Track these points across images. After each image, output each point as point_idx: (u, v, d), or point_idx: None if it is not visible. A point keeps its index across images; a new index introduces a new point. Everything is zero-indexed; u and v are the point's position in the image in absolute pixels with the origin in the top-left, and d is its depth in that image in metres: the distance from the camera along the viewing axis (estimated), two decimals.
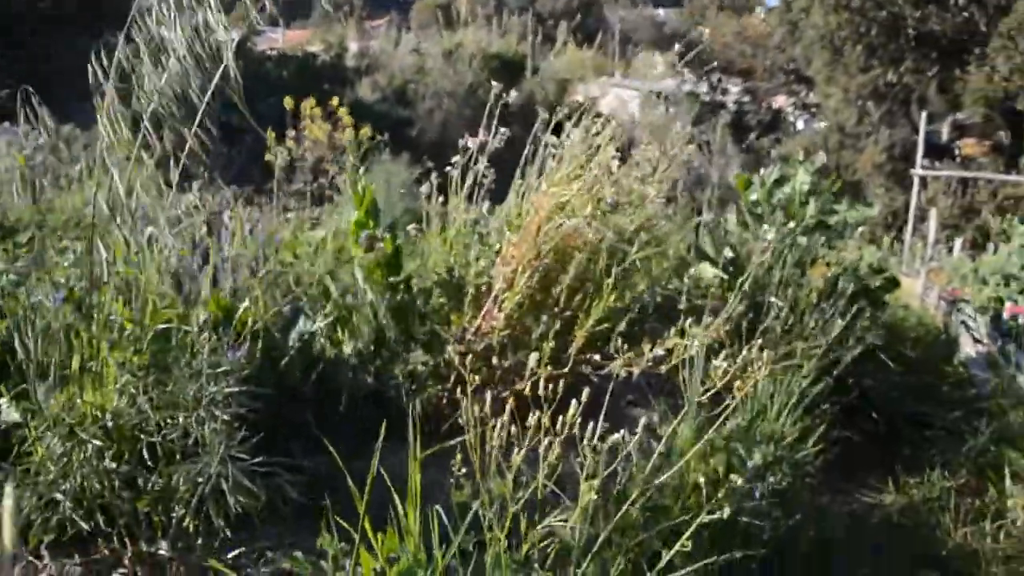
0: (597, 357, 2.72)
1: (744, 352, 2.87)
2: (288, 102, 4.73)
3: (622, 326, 2.75)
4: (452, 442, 2.08)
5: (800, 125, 25.18)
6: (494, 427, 1.90)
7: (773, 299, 2.97)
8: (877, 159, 17.45)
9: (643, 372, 2.76)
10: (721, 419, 2.20)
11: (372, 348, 2.86)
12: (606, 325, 2.78)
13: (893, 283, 3.50)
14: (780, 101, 22.70)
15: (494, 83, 3.46)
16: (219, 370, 1.82)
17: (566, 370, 2.70)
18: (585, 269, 2.79)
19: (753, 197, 3.78)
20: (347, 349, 2.62)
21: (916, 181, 11.19)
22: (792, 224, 3.51)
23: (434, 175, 3.08)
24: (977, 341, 4.45)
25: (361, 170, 3.02)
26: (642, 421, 1.79)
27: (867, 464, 2.99)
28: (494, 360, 2.68)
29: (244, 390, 1.89)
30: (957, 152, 19.26)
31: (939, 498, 2.64)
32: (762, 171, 3.94)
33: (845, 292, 3.10)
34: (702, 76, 22.45)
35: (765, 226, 3.35)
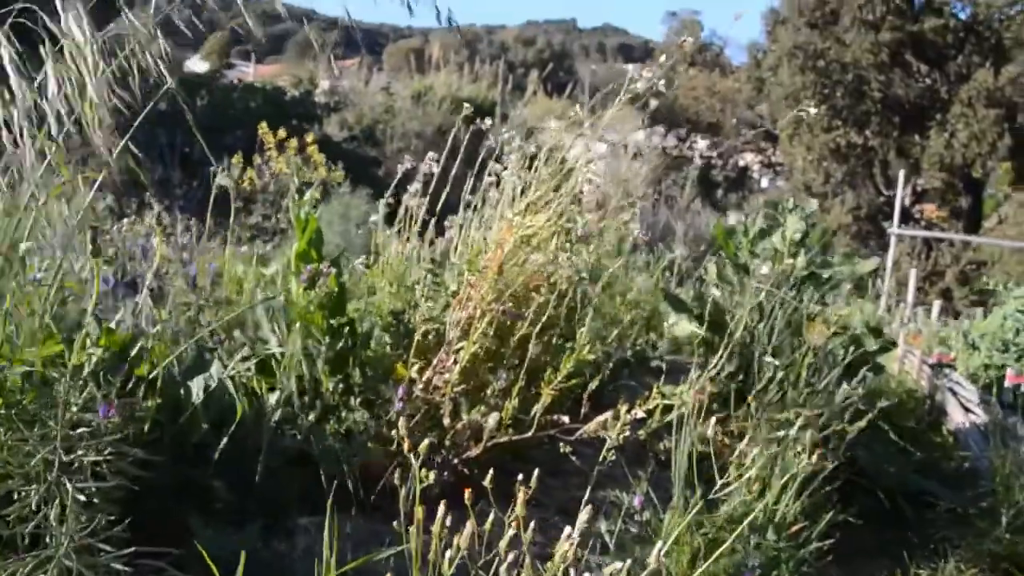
0: (566, 419, 2.34)
1: (735, 418, 2.52)
2: (263, 128, 4.34)
3: (594, 384, 2.38)
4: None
5: (764, 183, 25.40)
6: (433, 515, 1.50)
7: (768, 358, 2.63)
8: (843, 219, 17.52)
9: (619, 438, 2.39)
10: (719, 503, 1.83)
11: (304, 402, 2.45)
12: (575, 381, 2.41)
13: (891, 346, 3.20)
14: (747, 159, 22.88)
15: (466, 108, 3.12)
16: (79, 430, 1.40)
17: (529, 434, 2.32)
18: (549, 315, 2.43)
19: (737, 245, 3.47)
20: (271, 401, 2.21)
21: (893, 240, 11.11)
22: (781, 276, 3.19)
23: (383, 203, 2.72)
24: (967, 410, 4.16)
25: (308, 197, 2.64)
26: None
27: (870, 551, 2.63)
28: (446, 420, 2.29)
29: (116, 454, 1.47)
30: (919, 216, 19.46)
31: None
32: (744, 218, 3.64)
33: (843, 355, 2.77)
34: (669, 131, 22.57)
35: (760, 269, 3.01)
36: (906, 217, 18.14)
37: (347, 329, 2.53)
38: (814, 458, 2.53)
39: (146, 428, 1.82)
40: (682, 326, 3.59)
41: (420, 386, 2.28)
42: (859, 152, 18.18)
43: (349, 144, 23.47)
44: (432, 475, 2.31)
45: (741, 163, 22.85)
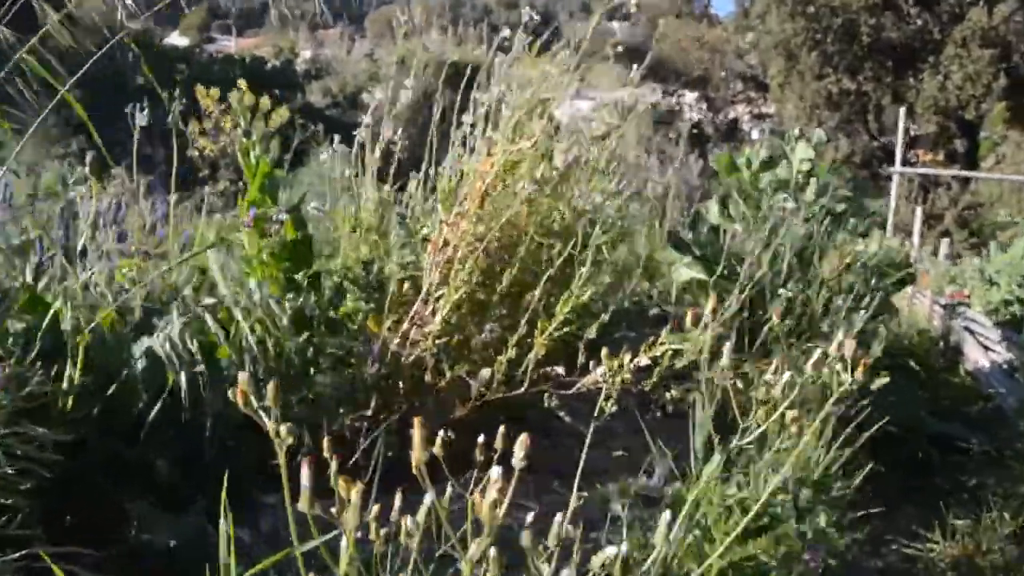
0: (561, 370, 2.08)
1: (749, 360, 2.27)
2: (200, 89, 4.04)
3: (592, 332, 2.12)
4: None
5: (755, 135, 25.00)
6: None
7: (782, 290, 2.37)
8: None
9: (622, 389, 2.14)
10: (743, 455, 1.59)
11: (268, 365, 2.19)
12: (571, 329, 2.14)
13: (911, 278, 2.95)
14: (738, 110, 22.47)
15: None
16: None
17: (522, 390, 2.07)
18: (539, 257, 2.17)
19: (741, 178, 3.20)
20: (224, 367, 1.94)
21: (895, 179, 10.83)
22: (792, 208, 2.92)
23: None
24: (987, 349, 3.92)
25: (257, 137, 2.35)
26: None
27: (898, 500, 2.40)
28: (427, 377, 2.03)
29: (15, 434, 1.21)
30: (915, 160, 19.16)
31: (1001, 550, 2.06)
32: (748, 148, 3.37)
33: (866, 287, 2.52)
34: (657, 87, 22.15)
35: (779, 203, 2.75)
36: (902, 162, 17.84)
37: (311, 284, 2.27)
38: (858, 375, 2.29)
39: (70, 402, 1.55)
40: (684, 272, 3.32)
41: (396, 341, 2.02)
42: (852, 99, 17.82)
43: (332, 110, 23.09)
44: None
45: (731, 115, 22.45)
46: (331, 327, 2.27)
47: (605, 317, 2.32)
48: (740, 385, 2.08)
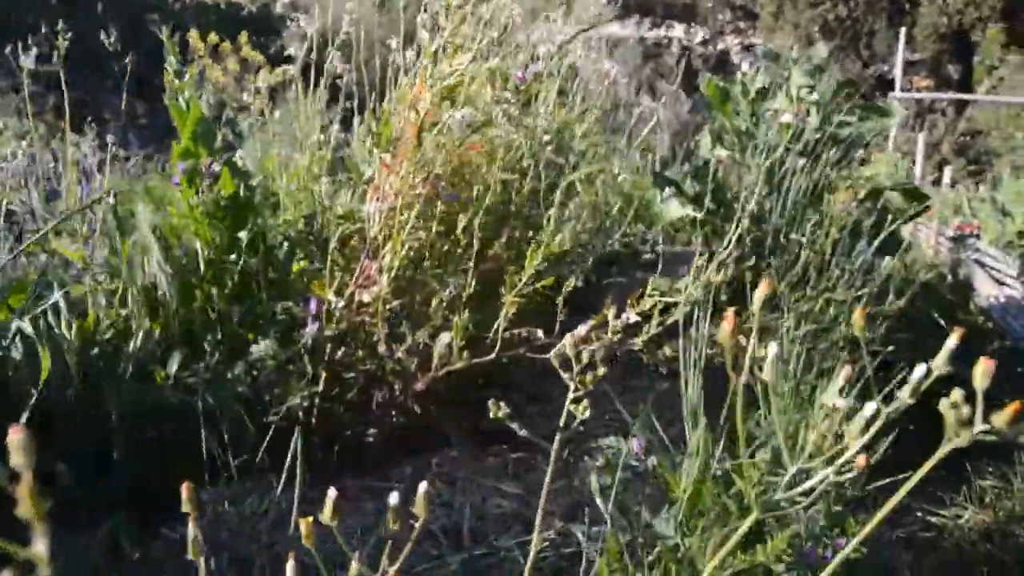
0: (539, 332, 1.82)
1: (751, 313, 2.00)
2: (193, 34, 3.66)
3: (570, 285, 1.84)
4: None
5: (745, 67, 24.40)
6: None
7: (793, 236, 2.09)
8: None
9: (608, 349, 1.88)
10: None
11: (209, 340, 1.92)
12: (547, 281, 1.87)
13: (927, 209, 2.67)
14: (727, 41, 21.85)
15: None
16: None
17: (492, 356, 1.80)
18: (504, 199, 1.88)
19: (735, 108, 2.89)
20: (130, 346, 1.66)
21: (896, 107, 10.46)
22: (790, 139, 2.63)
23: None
24: (1000, 283, 3.67)
25: (189, 79, 2.03)
26: None
27: (919, 460, 2.16)
28: (381, 347, 1.76)
29: None
30: (909, 88, 18.71)
31: None
32: (740, 74, 3.05)
33: (879, 223, 2.24)
34: (644, 20, 21.52)
35: (781, 117, 2.46)
36: (894, 89, 17.42)
37: (252, 243, 1.98)
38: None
39: None
40: (674, 207, 3.03)
41: (341, 304, 1.74)
42: (847, 25, 17.28)
43: (309, 56, 22.46)
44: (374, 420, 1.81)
45: (721, 46, 21.83)
46: (280, 291, 2.00)
47: (587, 265, 2.05)
48: (743, 342, 1.82)
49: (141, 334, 1.61)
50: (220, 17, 25.29)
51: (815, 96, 2.71)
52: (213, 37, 2.89)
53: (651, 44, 20.69)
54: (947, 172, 6.79)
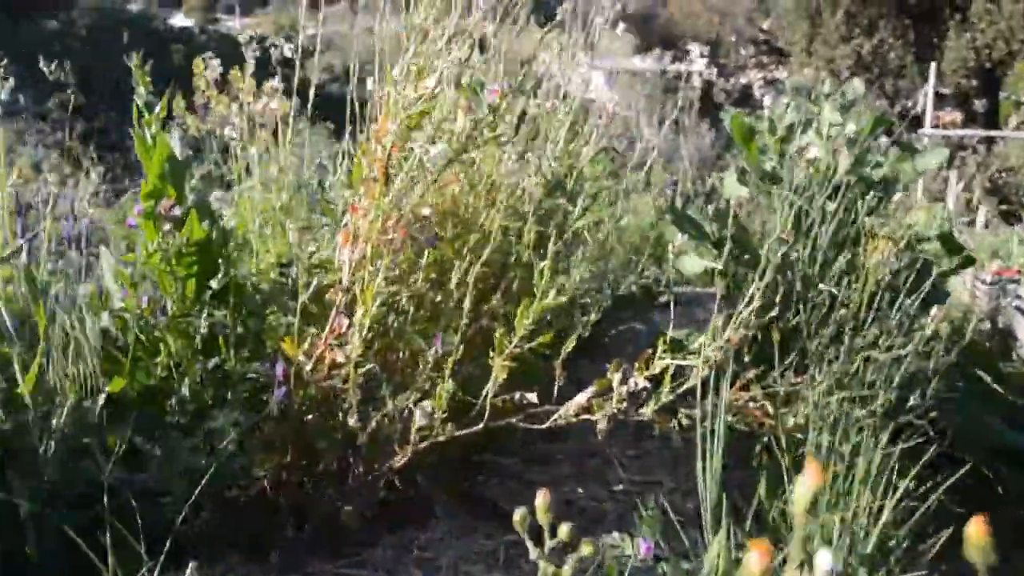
0: (531, 397, 1.60)
1: (779, 377, 1.77)
2: (197, 64, 3.51)
3: (570, 345, 1.63)
4: None
5: (768, 101, 24.23)
6: None
7: (824, 286, 1.87)
8: None
9: (612, 420, 1.66)
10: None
11: (175, 403, 1.72)
12: (543, 340, 1.65)
13: (971, 262, 2.44)
14: (750, 76, 21.72)
15: None
16: None
17: (479, 426, 1.59)
18: (503, 246, 1.69)
19: (761, 146, 2.68)
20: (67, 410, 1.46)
21: (926, 143, 10.21)
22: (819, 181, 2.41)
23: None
24: None
25: (158, 112, 1.87)
26: None
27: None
28: (351, 418, 1.55)
29: None
30: (936, 124, 18.42)
31: None
32: (767, 111, 2.85)
33: (920, 276, 2.02)
34: (667, 54, 21.48)
35: (808, 152, 2.25)
36: (919, 124, 17.16)
37: (222, 294, 1.79)
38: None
39: None
40: (692, 260, 2.80)
41: (309, 367, 1.54)
42: (877, 61, 17.07)
43: (332, 85, 22.58)
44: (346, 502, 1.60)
45: (744, 80, 21.70)
46: (252, 348, 1.80)
47: (590, 319, 1.83)
48: (769, 409, 1.60)
49: (69, 402, 1.41)
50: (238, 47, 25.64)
51: (848, 132, 2.49)
52: (213, 68, 2.73)
53: (672, 77, 20.61)
54: (981, 213, 6.52)
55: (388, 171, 1.45)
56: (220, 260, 1.85)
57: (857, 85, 2.61)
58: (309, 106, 2.30)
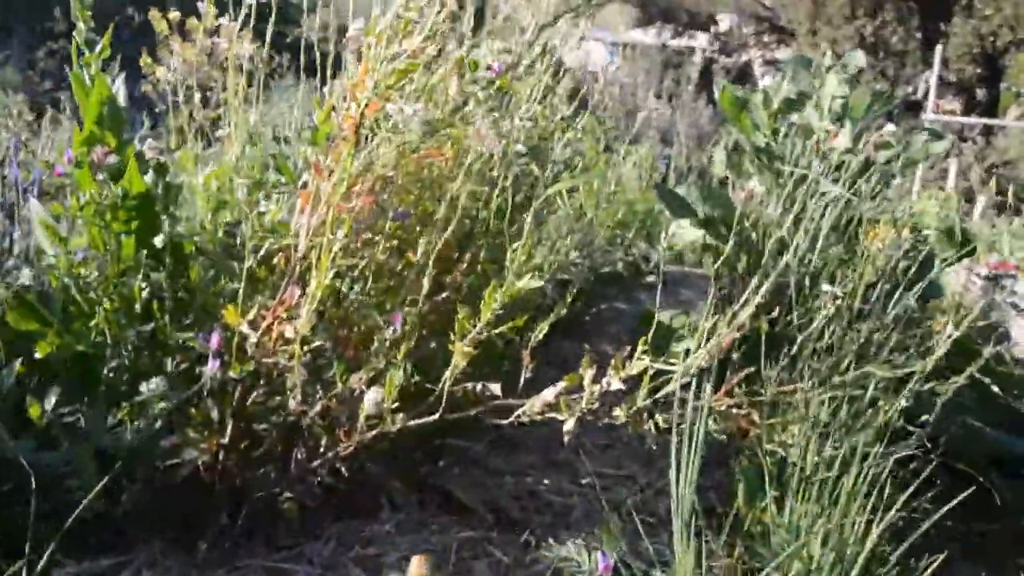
0: (494, 388, 1.46)
1: (766, 379, 1.63)
2: (154, 13, 3.30)
3: (542, 330, 1.48)
4: None
5: (767, 80, 23.93)
6: None
7: (826, 286, 1.73)
8: None
9: (581, 420, 1.52)
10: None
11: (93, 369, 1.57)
12: (515, 324, 1.51)
13: (973, 252, 2.31)
14: (750, 54, 21.39)
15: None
16: None
17: (435, 416, 1.45)
18: (469, 213, 1.53)
19: (755, 121, 2.52)
20: None
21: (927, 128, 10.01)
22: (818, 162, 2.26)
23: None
24: None
25: (99, 50, 1.69)
26: None
27: (955, 553, 1.79)
28: (291, 401, 1.40)
29: None
30: (936, 110, 18.23)
31: None
32: (763, 83, 2.68)
33: (920, 268, 1.88)
34: (668, 27, 21.15)
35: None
36: (919, 111, 16.99)
37: (163, 254, 1.63)
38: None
39: None
40: (685, 229, 2.65)
41: (254, 338, 1.39)
42: (880, 44, 16.81)
43: (325, 45, 22.23)
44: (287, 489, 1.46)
45: (744, 58, 21.38)
46: (198, 315, 1.64)
47: (564, 305, 1.68)
48: (755, 417, 1.46)
49: None
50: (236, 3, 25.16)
51: (844, 107, 2.33)
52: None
53: (672, 52, 20.31)
54: (978, 204, 6.37)
55: (360, 131, 1.29)
56: (164, 217, 1.69)
57: (859, 57, 2.44)
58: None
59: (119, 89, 1.73)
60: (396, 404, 1.40)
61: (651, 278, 3.98)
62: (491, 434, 2.05)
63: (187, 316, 1.63)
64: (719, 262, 2.08)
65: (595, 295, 3.49)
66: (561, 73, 1.97)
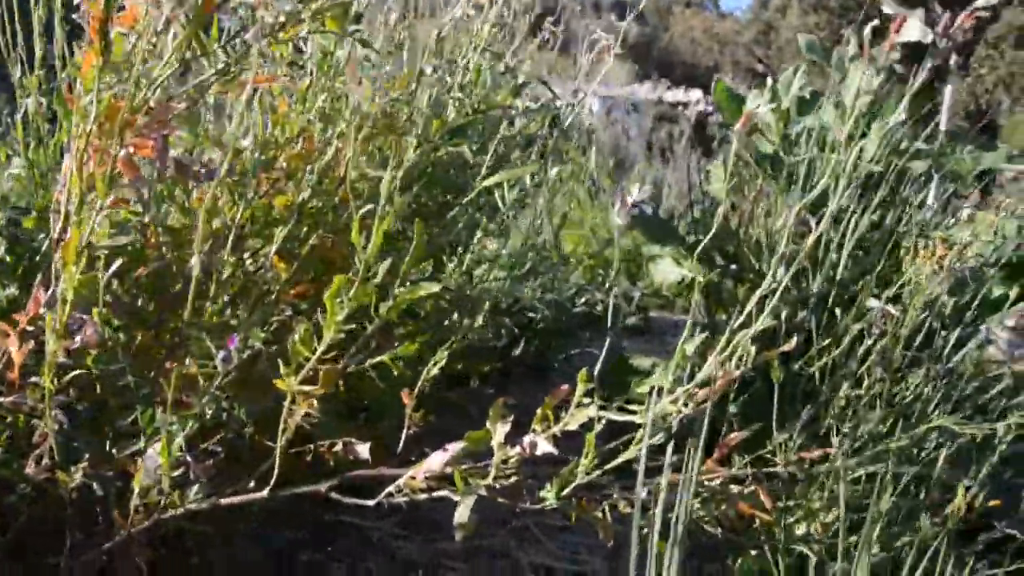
0: (362, 449, 0.95)
1: (780, 447, 1.11)
2: None
3: (438, 362, 0.97)
4: None
5: None
6: None
7: (872, 301, 1.23)
8: None
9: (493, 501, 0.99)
10: None
11: None
12: (400, 350, 0.99)
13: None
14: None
15: None
16: None
17: (264, 492, 0.92)
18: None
19: (762, 123, 2.06)
20: None
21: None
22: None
23: None
24: None
25: None
26: None
27: None
28: (29, 466, 0.88)
29: None
30: None
31: None
32: (769, 80, 2.23)
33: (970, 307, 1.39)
34: (665, 81, 21.12)
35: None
36: None
37: None
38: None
39: None
40: (667, 266, 2.15)
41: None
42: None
43: None
44: None
45: None
46: None
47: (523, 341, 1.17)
48: (764, 499, 0.94)
49: None
50: None
51: (872, 106, 1.87)
52: None
53: (667, 106, 20.24)
54: (964, 213, 5.91)
55: (106, 29, 0.79)
56: None
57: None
58: None
59: None
60: (203, 471, 0.88)
61: (633, 320, 3.47)
62: (402, 512, 1.52)
63: None
64: (706, 285, 1.58)
65: (566, 338, 3.01)
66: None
